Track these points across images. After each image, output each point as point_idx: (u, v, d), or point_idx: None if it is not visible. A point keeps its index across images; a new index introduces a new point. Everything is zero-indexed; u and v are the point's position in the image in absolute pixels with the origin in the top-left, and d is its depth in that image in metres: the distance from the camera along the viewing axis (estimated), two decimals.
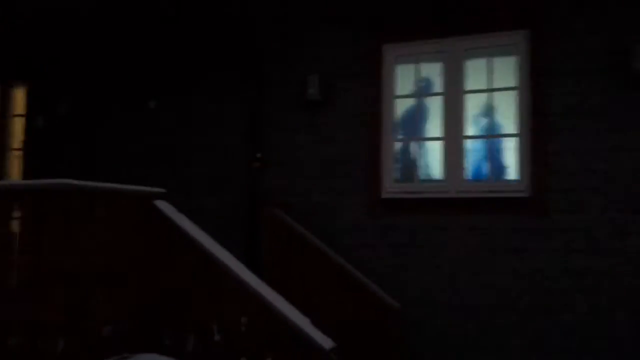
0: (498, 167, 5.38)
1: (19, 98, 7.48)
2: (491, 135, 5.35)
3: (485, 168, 5.39)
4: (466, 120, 5.38)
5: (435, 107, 5.54)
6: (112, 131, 6.75)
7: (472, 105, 5.41)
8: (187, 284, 3.92)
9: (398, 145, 5.67)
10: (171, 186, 4.64)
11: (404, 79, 5.65)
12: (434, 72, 5.55)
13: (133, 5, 6.58)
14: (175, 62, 6.51)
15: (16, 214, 3.52)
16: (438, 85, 5.51)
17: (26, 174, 7.08)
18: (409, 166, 5.65)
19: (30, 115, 7.22)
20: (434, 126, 5.53)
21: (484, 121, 5.41)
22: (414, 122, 5.63)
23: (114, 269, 3.73)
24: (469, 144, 5.39)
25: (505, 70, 5.29)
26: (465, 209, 5.25)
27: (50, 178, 3.58)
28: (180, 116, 6.41)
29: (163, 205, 3.91)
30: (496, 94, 5.33)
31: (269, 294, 3.84)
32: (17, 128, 7.45)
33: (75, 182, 3.39)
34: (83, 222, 3.48)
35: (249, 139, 6.05)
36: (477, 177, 5.43)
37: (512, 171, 5.26)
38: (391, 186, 5.57)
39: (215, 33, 6.35)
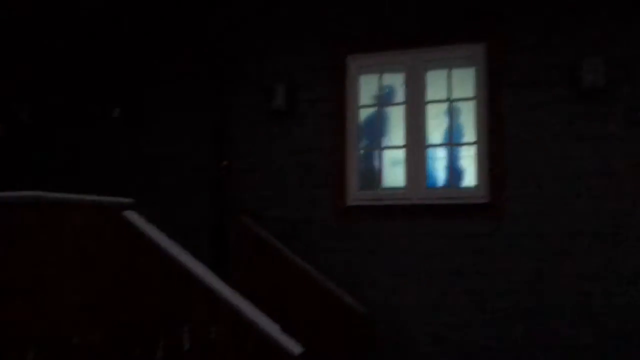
0: (458, 175, 5.58)
1: None
2: (451, 144, 5.55)
3: (446, 175, 5.59)
4: (427, 129, 5.57)
5: (398, 116, 5.71)
6: (76, 140, 6.68)
7: (433, 114, 5.61)
8: (156, 293, 3.95)
9: (362, 154, 5.82)
10: (139, 196, 4.65)
11: (367, 89, 5.81)
12: (397, 82, 5.72)
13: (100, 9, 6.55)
14: (141, 69, 6.50)
15: None
16: (401, 94, 5.68)
17: None
18: (373, 174, 5.80)
19: None
20: (397, 135, 5.70)
21: (444, 130, 5.60)
22: (378, 131, 5.79)
23: (83, 280, 3.74)
24: (430, 152, 5.58)
25: (465, 81, 5.50)
26: (427, 215, 5.43)
27: (11, 190, 3.56)
28: (146, 124, 6.40)
29: (132, 216, 3.94)
30: (456, 104, 5.54)
31: (238, 301, 3.91)
32: None
33: (45, 194, 3.39)
34: (52, 234, 3.48)
35: (215, 148, 6.10)
36: (439, 184, 5.62)
37: (471, 178, 5.47)
38: (356, 194, 5.71)
39: (182, 41, 6.38)
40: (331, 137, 5.74)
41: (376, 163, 5.78)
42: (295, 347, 3.78)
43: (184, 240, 4.56)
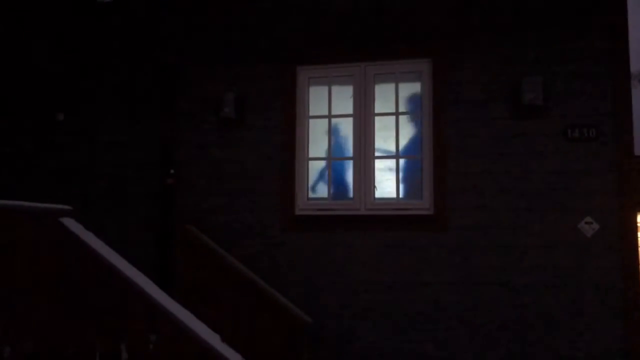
0: (405, 187, 5.68)
1: None
2: (398, 156, 5.65)
3: (393, 187, 5.68)
4: (375, 141, 5.66)
5: (347, 127, 5.78)
6: (18, 147, 6.44)
7: (381, 126, 5.70)
8: (94, 301, 3.87)
9: (311, 164, 5.86)
10: (81, 204, 4.58)
11: (317, 99, 5.86)
12: (346, 94, 5.80)
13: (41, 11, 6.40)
14: (88, 76, 6.36)
15: None
16: (350, 106, 5.76)
17: None
18: (322, 184, 5.85)
19: None
20: (346, 146, 5.77)
21: (392, 142, 5.70)
22: (327, 142, 5.84)
23: (18, 288, 3.64)
24: (378, 164, 5.67)
25: (412, 95, 5.63)
26: (374, 225, 5.52)
27: None
28: (92, 132, 6.25)
29: (70, 223, 3.85)
30: (403, 117, 5.66)
31: (180, 311, 3.87)
32: None
33: None
34: None
35: (163, 155, 6.02)
36: (386, 195, 5.70)
37: (417, 190, 5.58)
38: (304, 204, 5.74)
39: (130, 48, 6.30)
40: (280, 146, 5.76)
41: (325, 173, 5.83)
42: (236, 358, 3.77)
43: (128, 248, 4.51)
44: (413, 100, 5.62)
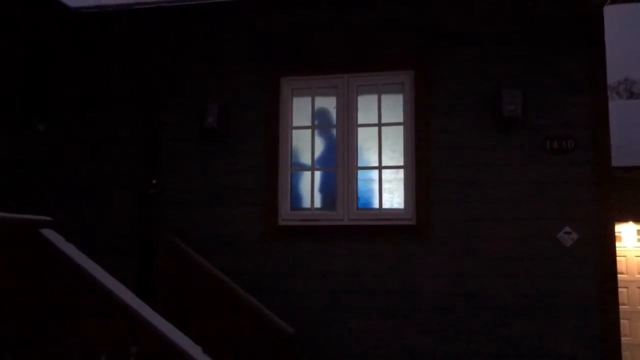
0: (388, 197, 5.71)
1: None
2: (381, 167, 5.69)
3: (377, 197, 5.71)
4: (358, 152, 5.69)
5: (330, 138, 5.81)
6: None
7: (364, 137, 5.74)
8: (74, 314, 3.84)
9: (294, 174, 5.87)
10: (62, 214, 4.53)
11: (300, 110, 5.88)
12: (329, 105, 5.83)
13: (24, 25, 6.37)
14: (68, 83, 6.33)
15: None
16: (333, 117, 5.79)
17: None
18: (305, 195, 5.86)
19: None
20: (329, 156, 5.79)
21: (375, 153, 5.74)
22: (310, 152, 5.86)
23: None
24: (361, 174, 5.70)
25: (394, 107, 5.68)
26: (357, 235, 5.54)
27: None
28: (74, 142, 6.21)
29: (50, 234, 3.83)
30: (385, 128, 5.70)
31: (161, 322, 3.86)
32: None
33: None
34: None
35: (145, 166, 5.99)
36: (369, 205, 5.73)
37: (400, 200, 5.61)
38: (288, 214, 5.74)
39: (109, 57, 6.28)
40: (263, 156, 5.77)
41: (308, 184, 5.84)
42: None
43: (111, 259, 4.49)
44: (396, 111, 5.66)
